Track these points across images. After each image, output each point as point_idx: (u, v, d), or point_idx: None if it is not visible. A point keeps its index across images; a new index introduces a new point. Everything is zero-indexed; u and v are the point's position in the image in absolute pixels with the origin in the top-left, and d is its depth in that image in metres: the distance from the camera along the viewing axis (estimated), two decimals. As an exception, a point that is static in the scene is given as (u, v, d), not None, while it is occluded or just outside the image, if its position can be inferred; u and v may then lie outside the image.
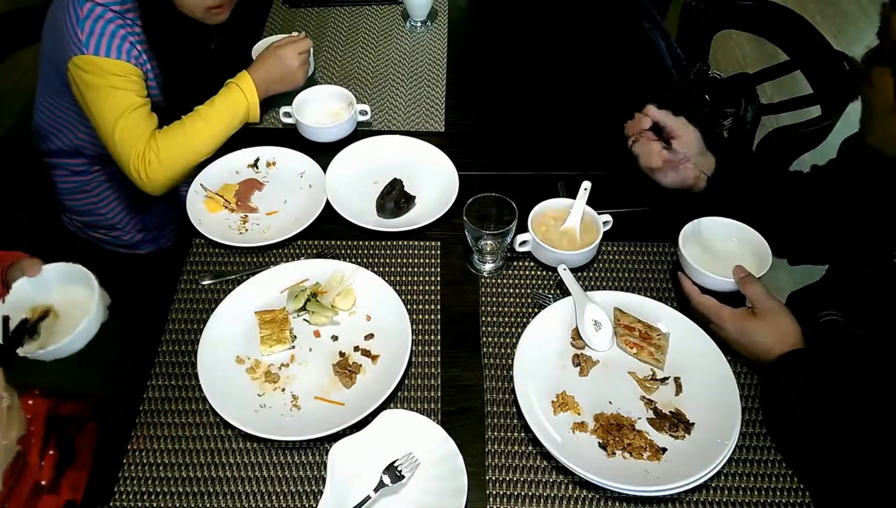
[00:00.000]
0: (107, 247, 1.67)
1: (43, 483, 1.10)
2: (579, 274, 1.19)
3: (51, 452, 1.14)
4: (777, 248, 1.17)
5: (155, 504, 0.95)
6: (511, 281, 1.21)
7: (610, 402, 1.03)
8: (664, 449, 0.98)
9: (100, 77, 1.31)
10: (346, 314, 1.15)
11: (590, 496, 0.96)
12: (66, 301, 1.06)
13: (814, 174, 1.26)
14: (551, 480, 0.97)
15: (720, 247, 1.18)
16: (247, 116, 1.43)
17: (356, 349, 1.10)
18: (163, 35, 1.37)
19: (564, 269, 1.17)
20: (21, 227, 1.62)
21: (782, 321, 1.01)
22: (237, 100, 1.41)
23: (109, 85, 1.32)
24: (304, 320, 1.14)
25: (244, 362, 1.08)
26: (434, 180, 1.35)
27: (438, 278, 1.21)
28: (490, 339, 1.13)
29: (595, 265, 1.23)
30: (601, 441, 0.98)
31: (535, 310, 1.14)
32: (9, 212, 1.58)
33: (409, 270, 1.23)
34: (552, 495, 0.96)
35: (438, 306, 1.17)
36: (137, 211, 1.65)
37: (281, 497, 0.96)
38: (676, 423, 1.00)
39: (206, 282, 1.20)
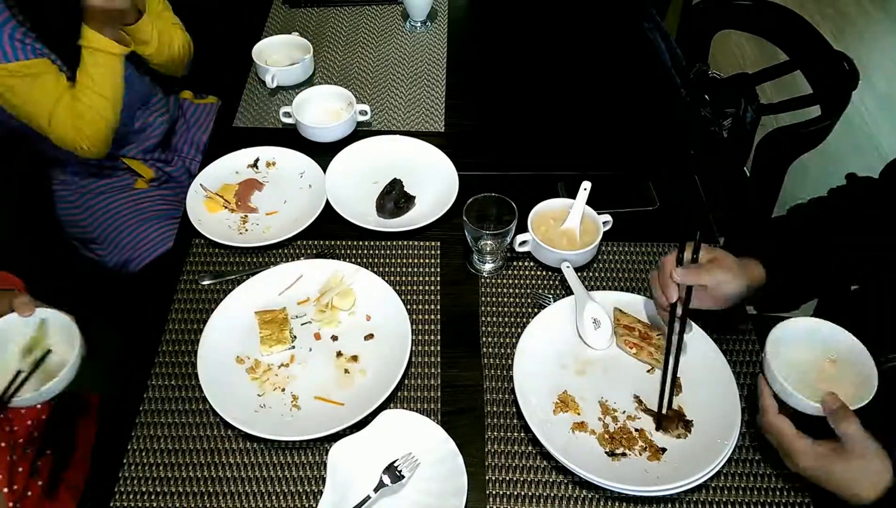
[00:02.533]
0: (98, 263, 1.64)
1: (40, 483, 1.11)
2: (579, 274, 1.19)
3: (48, 452, 1.14)
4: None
5: (155, 504, 0.95)
6: (511, 281, 1.21)
7: (610, 402, 1.03)
8: (664, 449, 0.98)
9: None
10: (346, 314, 1.15)
11: (590, 496, 0.96)
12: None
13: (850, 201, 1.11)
14: (551, 480, 0.98)
15: (816, 358, 0.98)
16: (112, 56, 1.43)
17: (356, 348, 1.10)
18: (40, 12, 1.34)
19: (568, 267, 1.17)
20: (21, 227, 1.62)
21: (876, 464, 0.84)
22: (96, 58, 1.41)
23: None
24: (303, 324, 1.14)
25: (244, 362, 1.08)
26: (434, 180, 1.35)
27: (438, 278, 1.21)
28: (490, 339, 1.13)
29: (595, 265, 1.23)
30: (606, 447, 0.98)
31: (535, 310, 1.14)
32: (9, 211, 1.59)
33: (409, 270, 1.23)
34: (552, 495, 0.96)
35: (438, 306, 1.17)
36: (115, 228, 1.61)
37: (281, 497, 0.96)
38: (676, 422, 1.00)
39: (206, 282, 1.20)
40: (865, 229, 1.04)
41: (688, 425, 1.00)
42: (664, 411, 1.00)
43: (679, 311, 1.01)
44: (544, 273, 1.22)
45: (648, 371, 1.07)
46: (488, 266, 1.22)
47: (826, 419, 0.88)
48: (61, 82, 1.40)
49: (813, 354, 0.98)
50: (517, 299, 1.18)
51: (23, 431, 1.11)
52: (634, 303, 1.14)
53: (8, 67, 1.32)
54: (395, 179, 1.32)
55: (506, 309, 1.17)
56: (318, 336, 1.12)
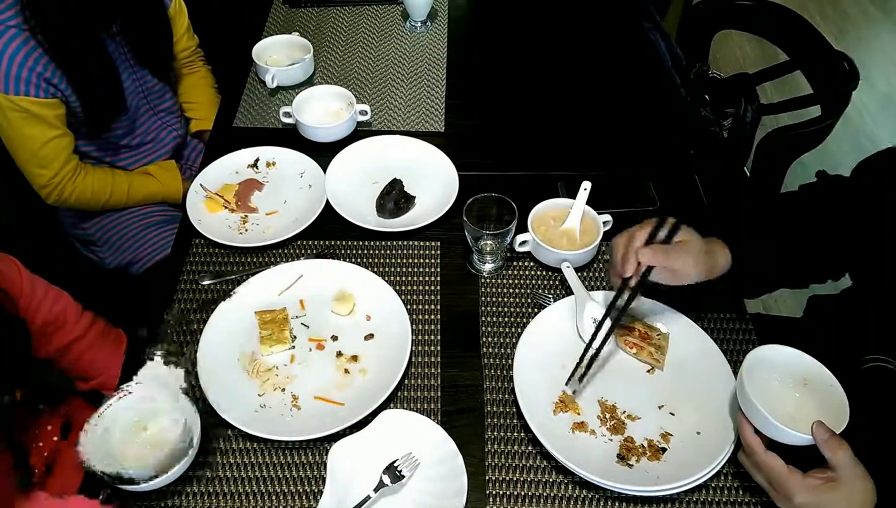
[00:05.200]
0: (102, 265, 1.65)
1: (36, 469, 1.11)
2: (579, 274, 1.19)
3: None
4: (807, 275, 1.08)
5: (155, 504, 0.95)
6: (511, 281, 1.21)
7: (609, 402, 1.03)
8: (664, 449, 0.98)
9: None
10: (346, 315, 1.15)
11: (590, 496, 0.96)
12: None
13: (822, 188, 1.11)
14: (551, 480, 0.98)
15: (785, 386, 0.97)
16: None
17: (356, 348, 1.10)
18: (46, 21, 1.28)
19: (568, 266, 1.17)
20: (21, 224, 1.62)
21: (863, 487, 0.85)
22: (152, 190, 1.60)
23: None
24: (303, 324, 1.14)
25: (244, 362, 1.08)
26: (434, 180, 1.35)
27: (438, 278, 1.21)
28: (490, 339, 1.13)
29: (595, 265, 1.23)
30: (619, 453, 0.98)
31: (535, 310, 1.14)
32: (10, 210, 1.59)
33: (409, 270, 1.23)
34: (552, 495, 0.96)
35: (438, 307, 1.17)
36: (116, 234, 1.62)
37: (281, 497, 0.96)
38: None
39: (206, 282, 1.20)
40: (834, 227, 1.05)
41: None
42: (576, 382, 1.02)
43: (629, 277, 1.01)
44: (544, 273, 1.22)
45: (648, 371, 1.07)
46: (488, 266, 1.22)
47: (801, 448, 0.87)
48: (56, 131, 1.39)
49: (781, 382, 0.97)
50: (517, 299, 1.18)
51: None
52: (634, 304, 1.13)
53: (13, 99, 1.30)
54: (395, 179, 1.32)
55: (506, 309, 1.17)
56: (321, 346, 1.12)
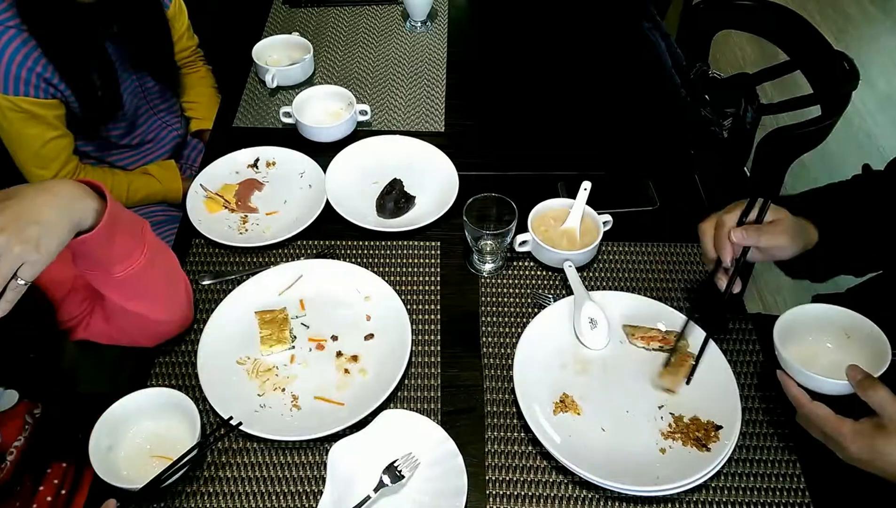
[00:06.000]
0: None
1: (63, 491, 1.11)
2: (579, 274, 1.19)
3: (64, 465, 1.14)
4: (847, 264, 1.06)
5: (155, 504, 0.95)
6: (511, 281, 1.21)
7: (610, 402, 1.03)
8: (719, 427, 0.98)
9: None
10: (346, 314, 1.15)
11: (590, 496, 0.96)
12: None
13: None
14: (551, 480, 0.98)
15: (823, 339, 0.98)
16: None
17: (356, 348, 1.10)
18: (44, 23, 1.28)
19: (570, 266, 1.17)
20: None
21: None
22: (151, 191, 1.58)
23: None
24: (303, 324, 1.14)
25: (244, 362, 1.08)
26: (434, 180, 1.35)
27: (438, 278, 1.21)
28: (490, 339, 1.13)
29: (595, 265, 1.23)
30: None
31: (535, 310, 1.14)
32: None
33: (409, 270, 1.23)
34: (552, 495, 0.96)
35: (438, 307, 1.17)
36: None
37: (281, 497, 0.96)
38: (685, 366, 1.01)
39: (206, 282, 1.20)
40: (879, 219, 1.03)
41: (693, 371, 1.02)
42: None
43: (730, 265, 0.98)
44: (544, 273, 1.22)
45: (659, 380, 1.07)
46: (488, 266, 1.22)
47: (851, 403, 0.84)
48: (56, 131, 1.40)
49: (820, 338, 0.97)
50: (517, 299, 1.18)
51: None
52: (634, 304, 1.13)
53: (13, 100, 1.31)
54: (395, 179, 1.32)
55: (506, 309, 1.17)
56: (321, 347, 1.12)
